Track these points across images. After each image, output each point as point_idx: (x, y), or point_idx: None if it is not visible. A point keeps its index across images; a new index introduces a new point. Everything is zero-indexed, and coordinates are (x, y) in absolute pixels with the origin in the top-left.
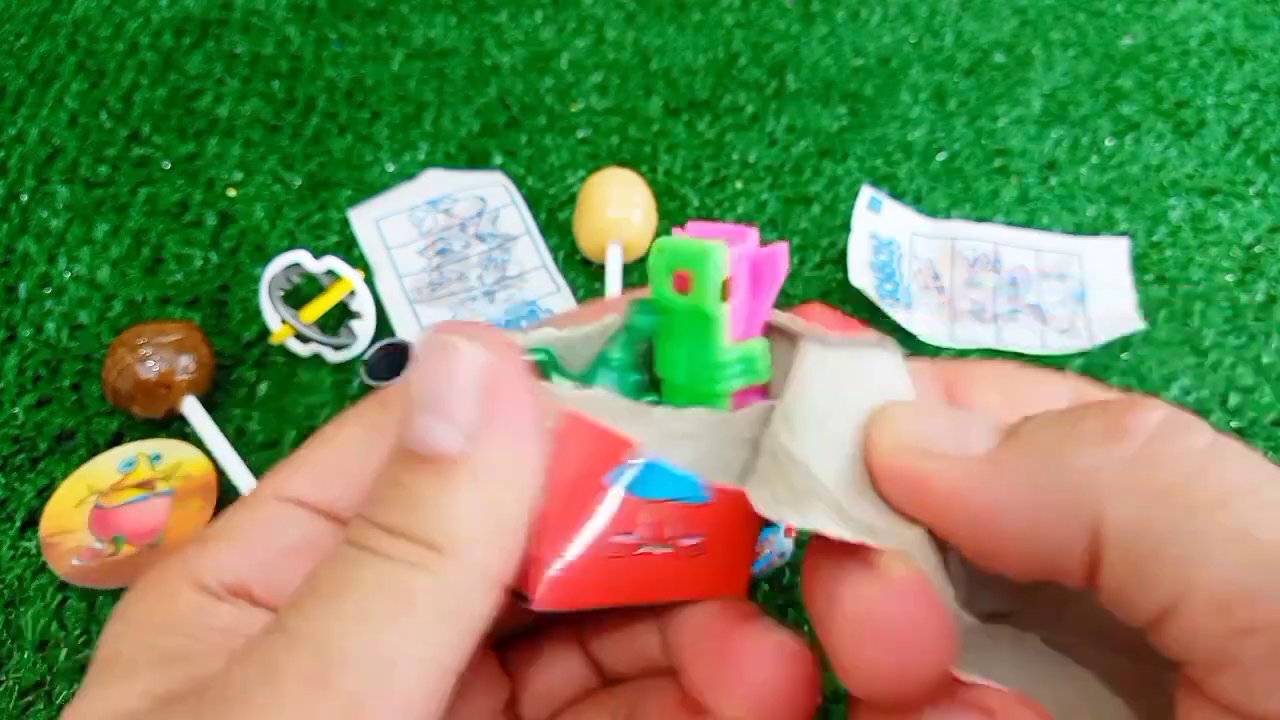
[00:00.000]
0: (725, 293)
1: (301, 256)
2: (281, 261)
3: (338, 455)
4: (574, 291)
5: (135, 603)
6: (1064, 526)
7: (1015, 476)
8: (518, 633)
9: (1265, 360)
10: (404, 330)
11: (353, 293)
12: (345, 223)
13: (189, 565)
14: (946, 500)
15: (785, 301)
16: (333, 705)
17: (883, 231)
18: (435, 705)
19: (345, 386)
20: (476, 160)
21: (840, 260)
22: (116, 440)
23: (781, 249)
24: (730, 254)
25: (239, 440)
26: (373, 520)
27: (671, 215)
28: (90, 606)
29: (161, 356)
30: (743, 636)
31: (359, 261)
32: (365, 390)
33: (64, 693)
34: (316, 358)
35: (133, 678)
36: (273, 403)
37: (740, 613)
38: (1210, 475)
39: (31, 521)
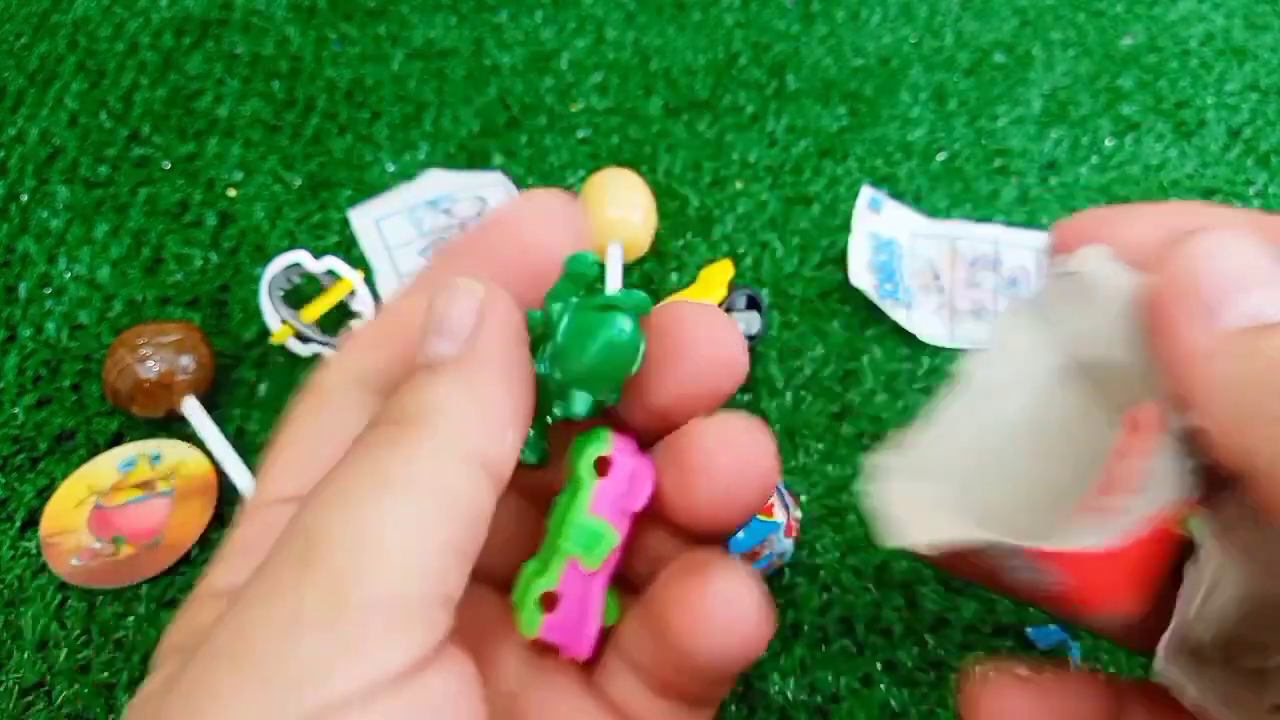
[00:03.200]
0: (601, 469)
1: (301, 256)
2: (281, 261)
3: (320, 441)
4: None
5: (171, 624)
6: None
7: None
8: None
9: None
10: None
11: (353, 293)
12: (345, 223)
13: (211, 584)
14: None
15: (785, 301)
16: (316, 582)
17: (883, 231)
18: (435, 585)
19: None
20: (476, 160)
21: (840, 260)
22: (116, 440)
23: (648, 473)
24: (614, 441)
25: (239, 440)
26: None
27: (671, 215)
28: (90, 606)
29: (161, 356)
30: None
31: (359, 261)
32: None
33: (64, 692)
34: (316, 358)
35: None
36: (273, 403)
37: None
38: None
39: (31, 521)
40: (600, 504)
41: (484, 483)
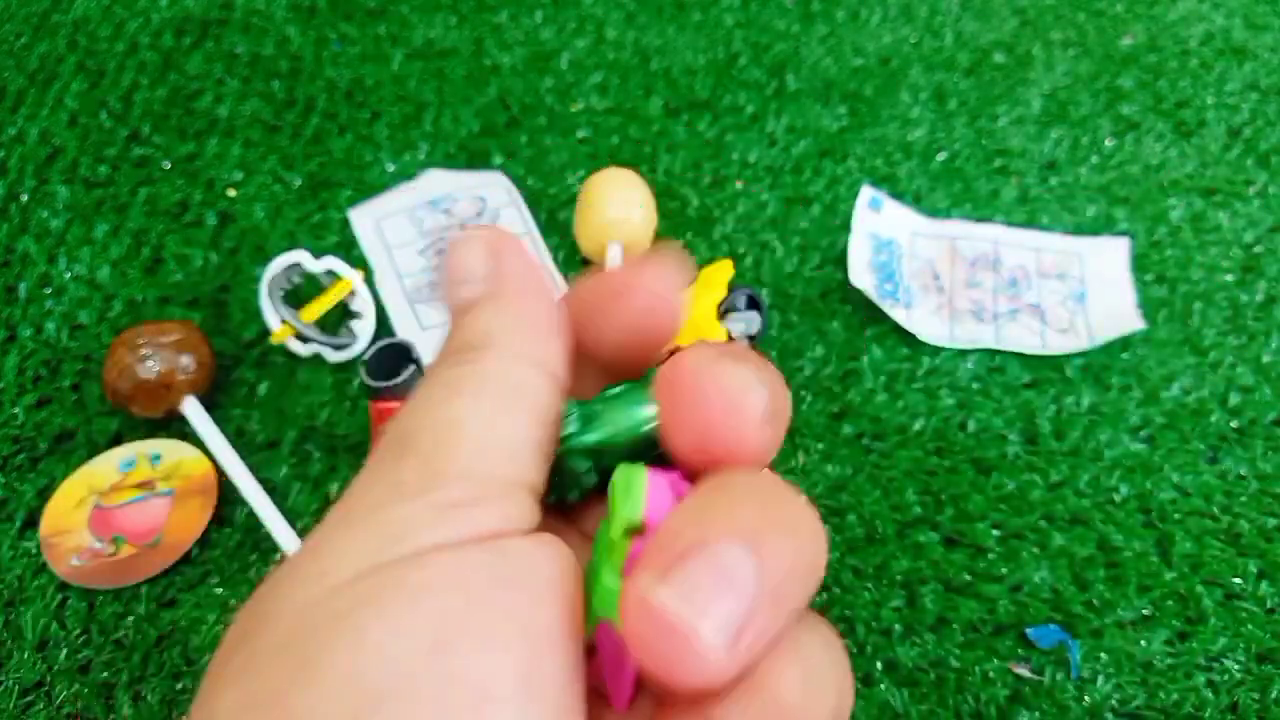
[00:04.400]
0: (633, 533)
1: (301, 256)
2: (281, 261)
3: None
4: None
5: None
6: None
7: None
8: None
9: (1265, 360)
10: (404, 330)
11: (353, 293)
12: (345, 223)
13: None
14: None
15: (785, 301)
16: (412, 464)
17: (883, 231)
18: (518, 470)
19: (345, 386)
20: (476, 160)
21: (840, 260)
22: (116, 440)
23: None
24: (648, 498)
25: (239, 440)
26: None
27: (671, 215)
28: (90, 606)
29: (161, 356)
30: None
31: (359, 261)
32: (365, 390)
33: (64, 692)
34: (316, 358)
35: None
36: (273, 403)
37: None
38: None
39: (31, 521)
40: (631, 569)
41: (546, 381)
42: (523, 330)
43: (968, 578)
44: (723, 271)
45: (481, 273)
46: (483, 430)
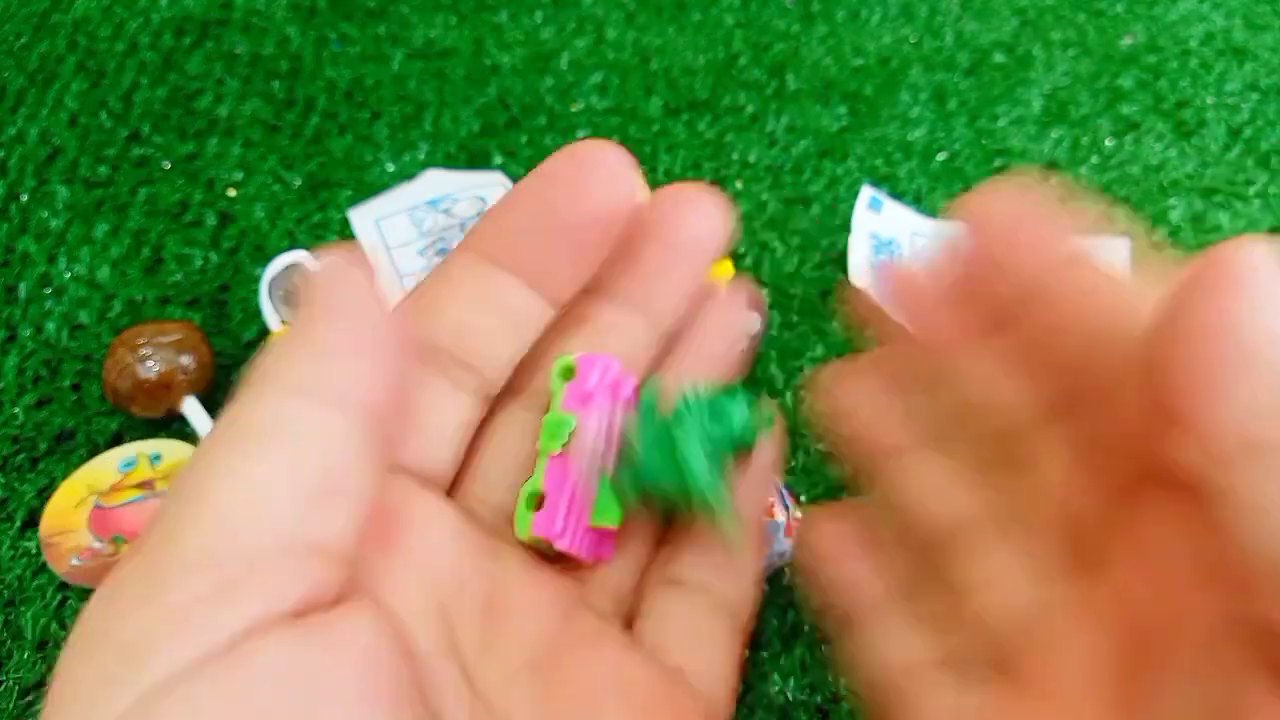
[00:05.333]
0: (568, 375)
1: (301, 256)
2: (281, 262)
3: None
4: None
5: None
6: None
7: None
8: None
9: None
10: None
11: None
12: (345, 223)
13: None
14: None
15: (785, 301)
16: (138, 559)
17: (883, 231)
18: (287, 532)
19: None
20: (476, 160)
21: (840, 260)
22: (116, 440)
23: (615, 365)
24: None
25: None
26: None
27: None
28: None
29: (161, 356)
30: None
31: None
32: None
33: None
34: None
35: None
36: None
37: None
38: None
39: (31, 521)
40: (569, 402)
41: (331, 414)
42: (307, 357)
43: None
44: (723, 271)
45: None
46: (233, 496)
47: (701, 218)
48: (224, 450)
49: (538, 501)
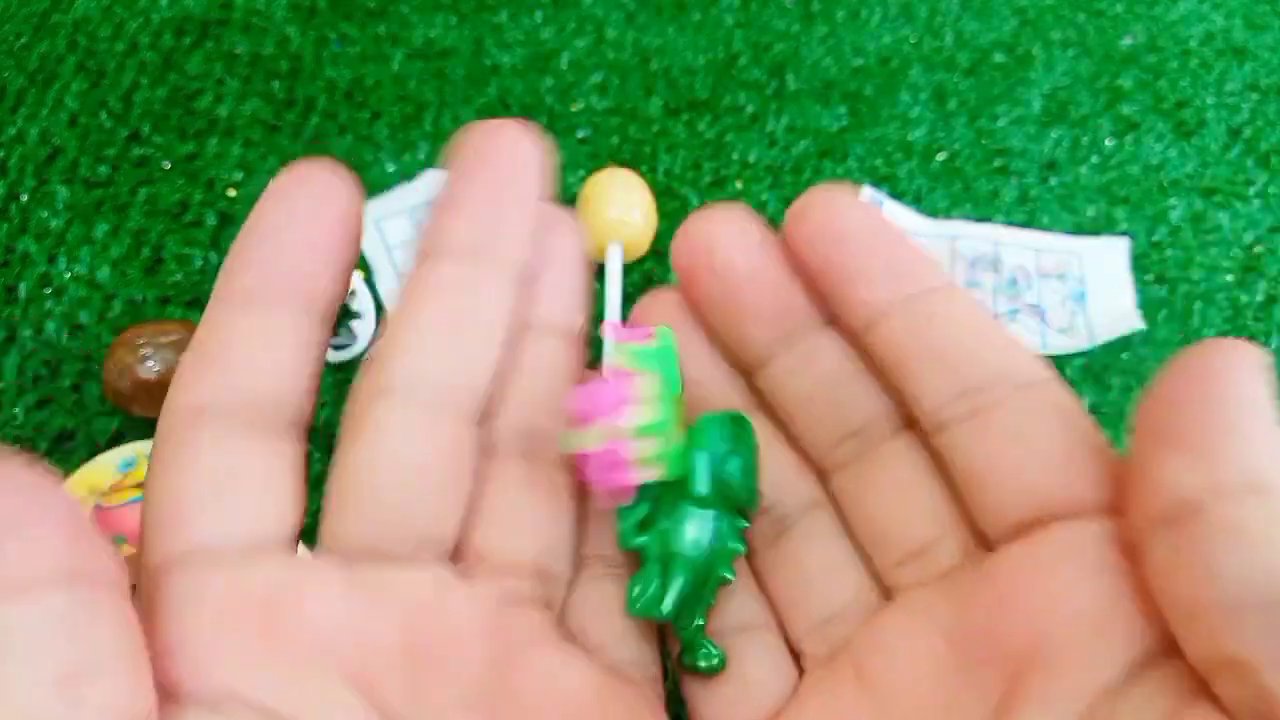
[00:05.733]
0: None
1: None
2: None
3: None
4: None
5: None
6: None
7: None
8: None
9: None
10: None
11: (353, 293)
12: None
13: None
14: None
15: None
16: None
17: None
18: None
19: (345, 386)
20: None
21: None
22: (116, 440)
23: None
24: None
25: None
26: None
27: (672, 215)
28: None
29: (161, 356)
30: None
31: (359, 262)
32: None
33: None
34: None
35: None
36: None
37: None
38: None
39: None
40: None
41: (34, 598)
42: None
43: None
44: None
45: None
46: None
47: (512, 150)
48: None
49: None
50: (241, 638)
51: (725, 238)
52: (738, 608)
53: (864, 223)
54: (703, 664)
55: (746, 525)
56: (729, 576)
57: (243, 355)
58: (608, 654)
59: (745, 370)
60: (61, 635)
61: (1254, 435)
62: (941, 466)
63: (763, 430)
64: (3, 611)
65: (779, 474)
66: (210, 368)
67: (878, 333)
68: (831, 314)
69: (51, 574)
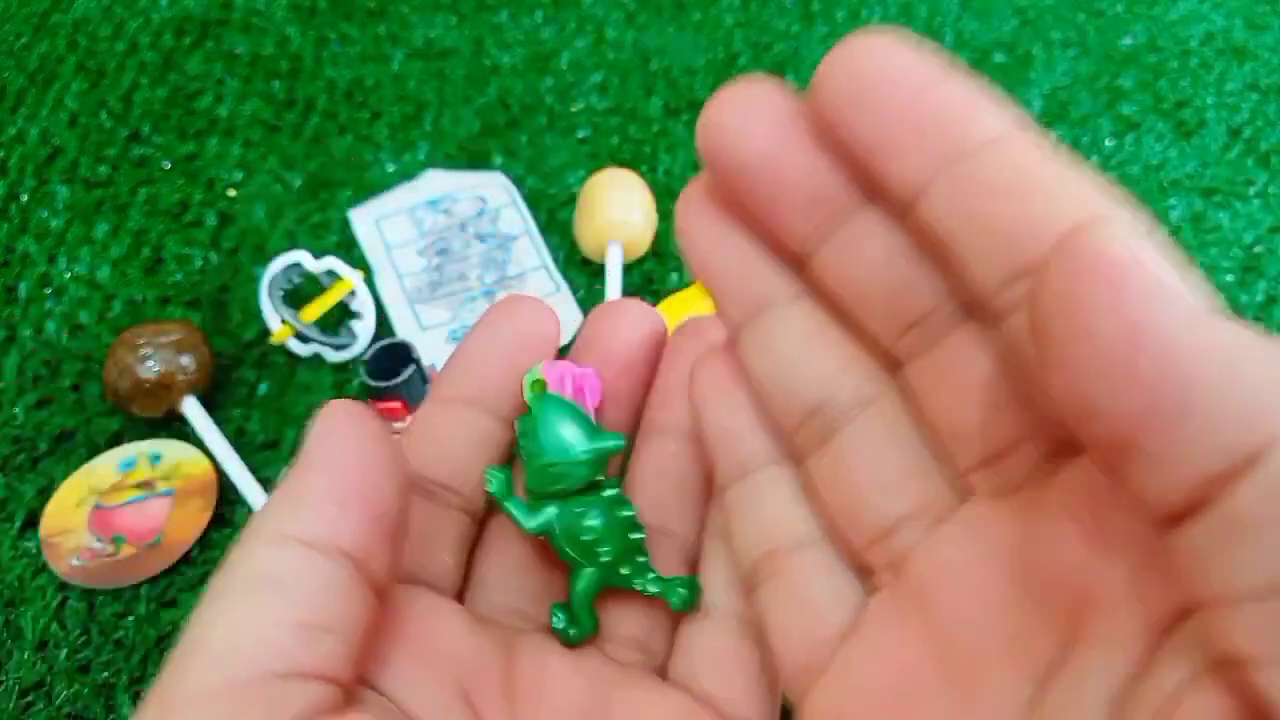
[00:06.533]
0: (539, 389)
1: (301, 256)
2: (281, 261)
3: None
4: (574, 291)
5: None
6: None
7: None
8: None
9: None
10: (404, 330)
11: (353, 293)
12: (345, 223)
13: None
14: None
15: None
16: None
17: None
18: (266, 664)
19: (345, 386)
20: (476, 160)
21: None
22: (116, 440)
23: (590, 375)
24: (544, 366)
25: (239, 440)
26: None
27: (671, 215)
28: (90, 606)
29: (161, 356)
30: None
31: (359, 261)
32: (365, 390)
33: (64, 692)
34: (316, 358)
35: None
36: (273, 403)
37: None
38: None
39: (31, 521)
40: None
41: (311, 556)
42: (288, 502)
43: None
44: None
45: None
46: (222, 633)
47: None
48: (217, 601)
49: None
50: (386, 642)
51: (742, 117)
52: (789, 522)
53: (897, 74)
54: (573, 631)
55: (618, 445)
56: (628, 572)
57: (432, 444)
58: (704, 686)
59: (795, 262)
60: (319, 595)
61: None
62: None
63: (811, 322)
64: (285, 554)
65: (826, 370)
66: (411, 450)
67: (920, 210)
68: (873, 190)
69: (338, 550)
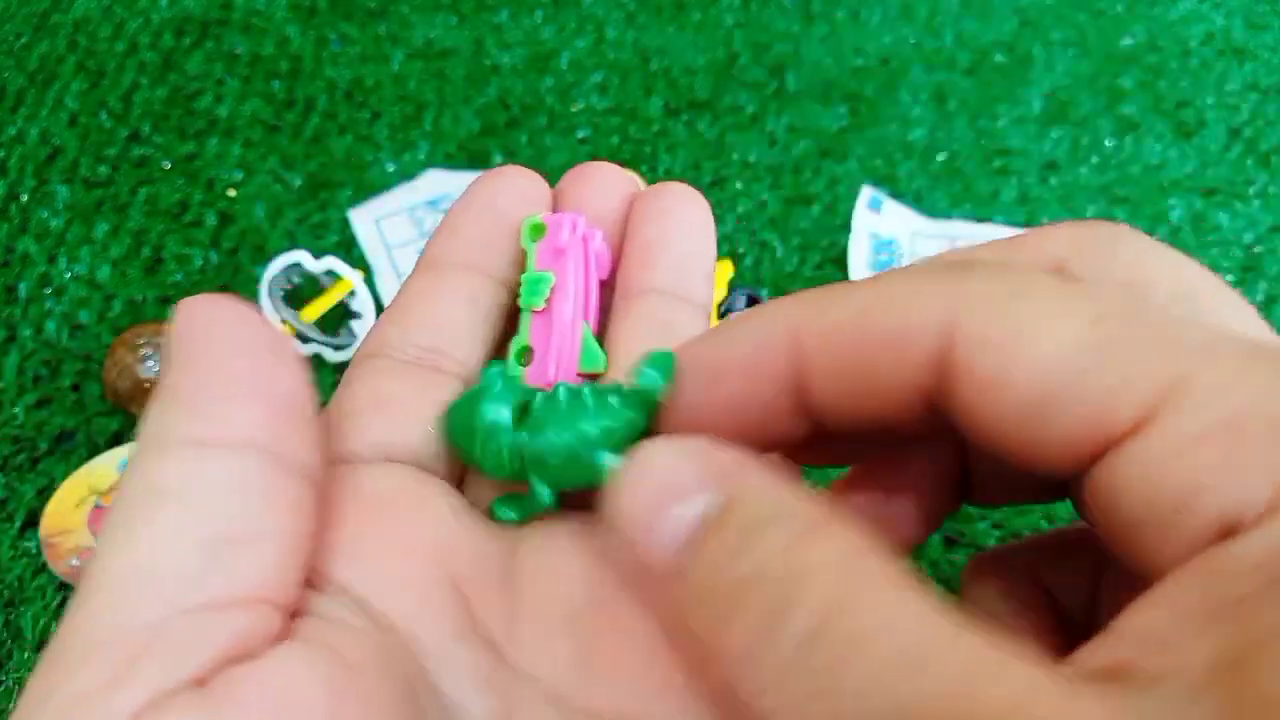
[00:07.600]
0: (537, 235)
1: (301, 256)
2: (281, 261)
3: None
4: None
5: None
6: None
7: None
8: None
9: None
10: None
11: (353, 293)
12: (345, 223)
13: None
14: None
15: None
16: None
17: (883, 231)
18: (175, 599)
19: None
20: (476, 160)
21: (840, 260)
22: (116, 440)
23: (597, 235)
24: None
25: None
26: None
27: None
28: None
29: (161, 356)
30: None
31: (359, 262)
32: None
33: None
34: (316, 358)
35: None
36: None
37: None
38: None
39: (31, 521)
40: (543, 260)
41: (211, 455)
42: (179, 406)
43: None
44: (723, 271)
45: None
46: (125, 571)
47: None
48: (114, 527)
49: (527, 357)
50: (357, 534)
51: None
52: None
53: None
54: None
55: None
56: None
57: (420, 310)
58: None
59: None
60: (226, 501)
61: None
62: None
63: None
64: (181, 465)
65: None
66: (390, 320)
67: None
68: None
69: (242, 444)
